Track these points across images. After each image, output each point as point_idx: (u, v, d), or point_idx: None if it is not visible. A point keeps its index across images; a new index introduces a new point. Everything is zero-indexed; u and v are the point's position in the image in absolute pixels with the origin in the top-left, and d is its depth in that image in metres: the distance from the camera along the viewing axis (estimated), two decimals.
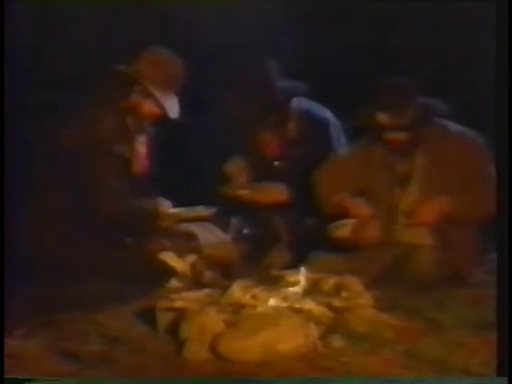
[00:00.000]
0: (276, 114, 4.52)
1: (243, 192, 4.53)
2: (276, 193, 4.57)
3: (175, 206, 4.26)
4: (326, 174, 4.35)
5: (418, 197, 4.16)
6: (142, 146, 4.19)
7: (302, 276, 3.57)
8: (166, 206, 4.22)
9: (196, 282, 3.93)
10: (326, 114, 4.64)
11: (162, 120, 4.15)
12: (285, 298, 3.40)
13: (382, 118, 4.08)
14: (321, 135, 4.60)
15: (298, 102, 4.60)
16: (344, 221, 4.22)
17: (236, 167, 4.58)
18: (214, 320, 3.26)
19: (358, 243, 4.17)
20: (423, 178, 4.17)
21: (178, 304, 3.41)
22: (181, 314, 3.36)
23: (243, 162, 4.59)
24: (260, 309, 3.34)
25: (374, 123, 4.12)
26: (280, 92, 4.49)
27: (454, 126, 4.22)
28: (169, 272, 3.98)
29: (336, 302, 3.43)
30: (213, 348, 3.20)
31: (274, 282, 3.55)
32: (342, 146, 4.60)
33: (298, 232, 4.51)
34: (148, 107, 4.12)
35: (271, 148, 4.62)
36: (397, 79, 4.16)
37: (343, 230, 4.20)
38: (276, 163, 4.64)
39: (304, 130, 4.59)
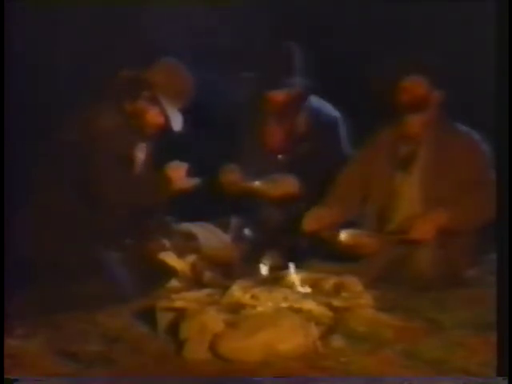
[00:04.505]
0: (286, 107, 4.53)
1: (255, 184, 4.52)
2: (287, 185, 4.56)
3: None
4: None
5: (418, 187, 4.18)
6: (141, 152, 4.17)
7: (298, 276, 3.58)
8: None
9: (196, 282, 3.94)
10: (335, 113, 4.65)
11: (164, 130, 4.13)
12: (285, 298, 3.39)
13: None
14: (329, 133, 4.62)
15: (309, 99, 4.62)
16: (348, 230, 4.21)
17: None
18: (214, 320, 3.26)
19: (359, 251, 4.15)
20: (424, 168, 4.19)
21: (178, 304, 3.41)
22: (181, 314, 3.36)
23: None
24: (260, 309, 3.34)
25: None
26: (292, 85, 4.50)
27: (461, 127, 4.25)
28: (169, 272, 3.98)
29: (336, 302, 3.43)
30: (213, 348, 3.20)
31: (273, 282, 3.55)
32: (348, 147, 4.63)
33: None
34: (152, 115, 4.10)
35: (276, 141, 4.61)
36: None
37: (348, 237, 4.17)
38: (280, 157, 4.63)
39: (312, 126, 4.61)
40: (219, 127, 4.64)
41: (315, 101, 4.65)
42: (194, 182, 4.19)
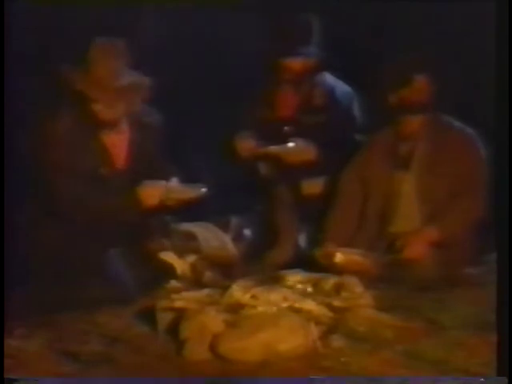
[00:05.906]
0: (301, 76, 4.52)
1: (272, 149, 4.50)
2: (305, 151, 4.51)
3: None
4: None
5: (415, 184, 4.19)
6: (116, 139, 4.11)
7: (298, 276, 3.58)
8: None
9: (196, 282, 3.93)
10: (349, 89, 4.65)
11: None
12: (285, 298, 3.40)
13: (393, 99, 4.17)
14: (344, 107, 4.60)
15: (325, 74, 4.62)
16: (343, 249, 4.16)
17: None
18: (214, 320, 3.26)
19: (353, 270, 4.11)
20: (421, 165, 4.20)
21: (178, 304, 3.41)
22: (181, 314, 3.36)
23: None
24: (260, 309, 3.35)
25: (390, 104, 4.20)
26: (309, 54, 4.49)
27: (456, 123, 4.27)
28: (169, 272, 3.98)
29: (336, 302, 3.43)
30: (213, 348, 3.20)
31: (273, 282, 3.55)
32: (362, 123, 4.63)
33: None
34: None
35: (288, 110, 4.60)
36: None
37: (342, 257, 4.10)
38: (286, 128, 4.61)
39: (329, 98, 4.60)
40: (230, 95, 4.63)
41: (330, 77, 4.64)
42: (195, 192, 4.14)
